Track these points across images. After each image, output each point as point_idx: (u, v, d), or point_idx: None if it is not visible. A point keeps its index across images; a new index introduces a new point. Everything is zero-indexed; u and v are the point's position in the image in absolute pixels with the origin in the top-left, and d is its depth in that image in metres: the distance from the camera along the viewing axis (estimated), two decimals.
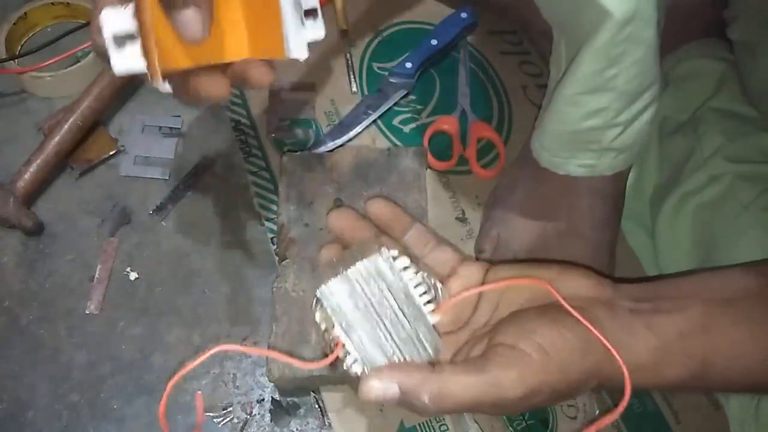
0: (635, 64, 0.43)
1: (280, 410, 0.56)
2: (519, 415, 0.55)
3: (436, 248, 0.46)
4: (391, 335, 0.38)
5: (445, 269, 0.44)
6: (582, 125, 0.47)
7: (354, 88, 0.71)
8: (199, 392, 0.54)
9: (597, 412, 0.55)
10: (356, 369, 0.37)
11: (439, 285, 0.41)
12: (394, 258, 0.39)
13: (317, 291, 0.38)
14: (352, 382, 0.42)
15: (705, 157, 0.56)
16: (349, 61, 0.73)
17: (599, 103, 0.45)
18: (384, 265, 0.38)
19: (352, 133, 0.68)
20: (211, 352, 0.36)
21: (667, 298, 0.40)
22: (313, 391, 0.56)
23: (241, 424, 0.55)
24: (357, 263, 0.38)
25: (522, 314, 0.39)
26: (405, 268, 0.39)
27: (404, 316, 0.38)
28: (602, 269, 0.56)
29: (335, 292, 0.37)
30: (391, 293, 0.38)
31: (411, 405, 0.36)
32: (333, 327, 0.37)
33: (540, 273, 0.41)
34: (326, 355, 0.38)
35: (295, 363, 0.37)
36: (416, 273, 0.40)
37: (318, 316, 0.39)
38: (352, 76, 0.72)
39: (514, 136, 0.70)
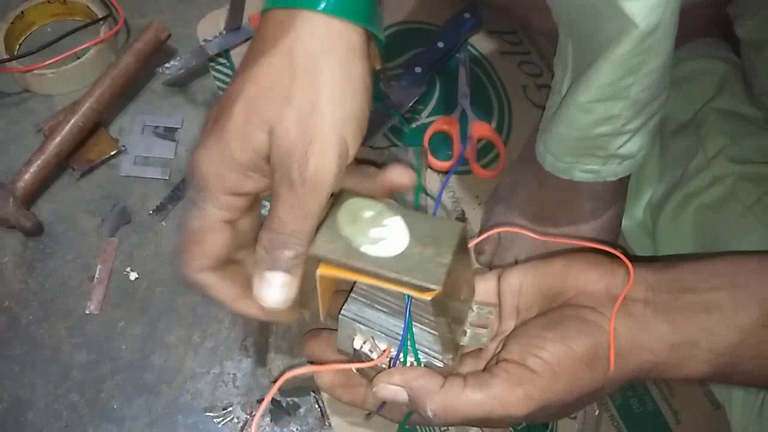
0: (651, 73, 0.43)
1: (280, 410, 0.56)
2: None
3: None
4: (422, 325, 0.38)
5: None
6: (591, 132, 0.46)
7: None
8: None
9: (597, 412, 0.55)
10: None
11: None
12: None
13: (340, 317, 0.39)
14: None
15: (708, 158, 0.56)
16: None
17: (611, 110, 0.45)
18: None
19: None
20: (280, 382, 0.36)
21: (691, 289, 0.38)
22: (313, 391, 0.56)
23: (241, 424, 0.55)
24: (356, 282, 0.39)
25: (529, 328, 0.38)
26: None
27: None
28: None
29: (357, 311, 0.39)
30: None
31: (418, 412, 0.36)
32: (375, 339, 0.38)
33: (545, 268, 0.40)
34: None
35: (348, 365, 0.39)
36: None
37: (357, 341, 0.39)
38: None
39: (514, 136, 0.70)
